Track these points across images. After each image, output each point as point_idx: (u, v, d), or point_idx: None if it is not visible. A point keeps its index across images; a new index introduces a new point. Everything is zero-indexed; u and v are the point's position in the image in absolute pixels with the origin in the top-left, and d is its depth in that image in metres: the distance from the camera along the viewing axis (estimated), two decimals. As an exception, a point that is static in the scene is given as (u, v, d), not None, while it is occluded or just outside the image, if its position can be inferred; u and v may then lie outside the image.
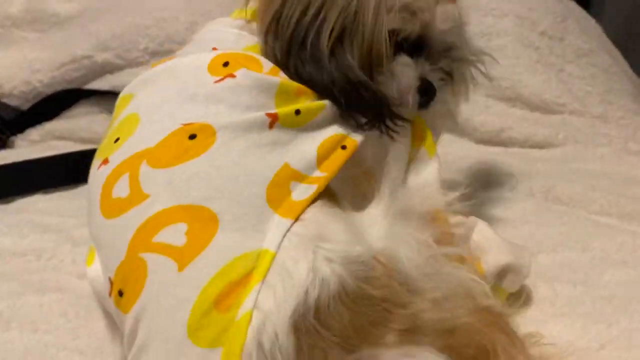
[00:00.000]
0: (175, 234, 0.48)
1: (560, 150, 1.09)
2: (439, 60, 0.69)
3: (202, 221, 0.48)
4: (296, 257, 0.47)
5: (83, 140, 1.26)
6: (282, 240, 0.48)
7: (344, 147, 0.57)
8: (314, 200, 0.52)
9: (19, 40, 1.38)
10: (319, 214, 0.50)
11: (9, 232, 0.87)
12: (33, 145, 1.27)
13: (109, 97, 1.26)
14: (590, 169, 1.00)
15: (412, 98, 0.65)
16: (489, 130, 1.16)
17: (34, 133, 1.28)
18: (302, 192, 0.52)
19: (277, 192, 0.50)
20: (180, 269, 0.46)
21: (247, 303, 0.45)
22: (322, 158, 0.55)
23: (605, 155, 1.05)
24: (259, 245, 0.48)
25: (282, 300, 0.45)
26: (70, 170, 1.05)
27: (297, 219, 0.49)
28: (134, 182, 0.51)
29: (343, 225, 0.51)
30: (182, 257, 0.47)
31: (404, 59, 0.65)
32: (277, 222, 0.49)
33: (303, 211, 0.50)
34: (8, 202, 0.98)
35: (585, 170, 1.00)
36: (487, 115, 1.17)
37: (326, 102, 0.59)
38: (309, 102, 0.58)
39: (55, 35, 1.36)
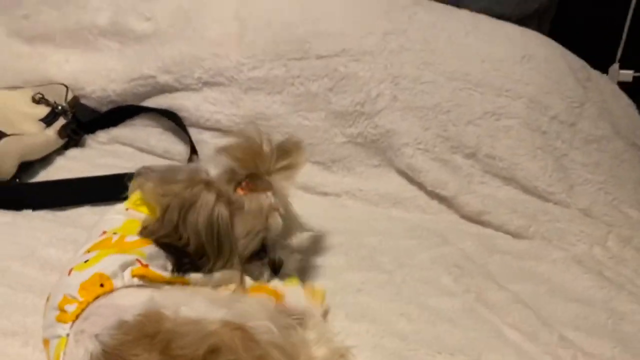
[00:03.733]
0: None
1: (524, 245, 1.22)
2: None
3: None
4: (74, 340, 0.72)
5: (140, 149, 1.53)
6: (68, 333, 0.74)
7: (102, 285, 0.77)
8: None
9: (103, 48, 1.63)
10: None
11: (56, 244, 1.13)
12: (100, 146, 1.54)
13: (162, 114, 1.51)
14: (535, 272, 1.13)
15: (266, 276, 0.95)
16: (471, 210, 1.29)
17: (102, 136, 1.56)
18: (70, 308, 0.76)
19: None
20: None
21: None
22: (82, 289, 0.77)
23: (558, 260, 1.17)
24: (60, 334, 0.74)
25: None
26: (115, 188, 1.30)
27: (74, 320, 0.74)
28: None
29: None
30: None
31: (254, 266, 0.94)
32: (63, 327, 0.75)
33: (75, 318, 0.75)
34: (60, 210, 1.25)
35: (529, 273, 1.13)
36: (472, 197, 1.30)
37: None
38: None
39: (131, 49, 1.60)
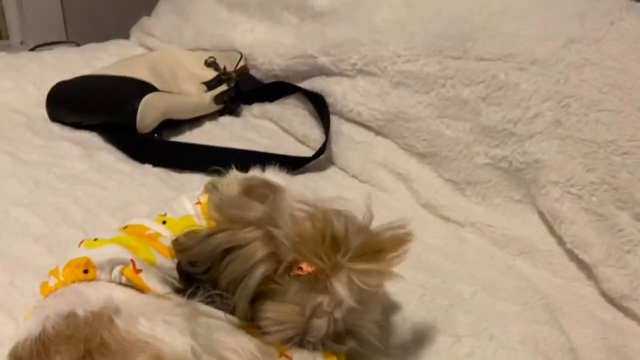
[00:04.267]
0: None
1: None
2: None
3: None
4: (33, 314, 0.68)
5: (283, 129, 1.49)
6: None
7: (86, 272, 0.70)
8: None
9: (284, 22, 1.62)
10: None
11: (152, 203, 1.15)
12: (251, 119, 1.54)
13: (311, 97, 1.44)
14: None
15: None
16: (612, 289, 0.97)
17: (256, 109, 1.55)
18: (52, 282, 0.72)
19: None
20: None
21: None
22: (67, 266, 0.72)
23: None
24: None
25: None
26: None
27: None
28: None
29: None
30: None
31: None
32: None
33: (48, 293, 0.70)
34: (178, 172, 1.27)
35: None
36: (620, 272, 0.97)
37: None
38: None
39: (307, 26, 1.56)
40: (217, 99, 1.51)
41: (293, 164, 1.31)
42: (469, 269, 1.03)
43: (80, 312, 0.65)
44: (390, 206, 1.23)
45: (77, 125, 1.40)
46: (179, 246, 0.76)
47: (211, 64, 1.57)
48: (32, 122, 1.41)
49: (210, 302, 0.73)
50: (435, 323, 0.88)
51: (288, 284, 0.70)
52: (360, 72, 1.38)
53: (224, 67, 1.57)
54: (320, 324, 0.70)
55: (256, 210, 0.75)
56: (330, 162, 1.38)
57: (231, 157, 1.27)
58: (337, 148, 1.37)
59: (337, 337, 0.74)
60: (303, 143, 1.44)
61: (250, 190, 0.83)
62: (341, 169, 1.35)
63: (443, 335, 0.85)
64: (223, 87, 1.53)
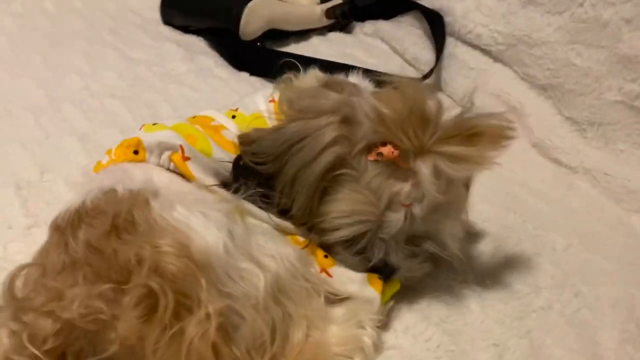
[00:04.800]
0: None
1: None
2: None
3: None
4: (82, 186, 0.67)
5: (394, 50, 1.38)
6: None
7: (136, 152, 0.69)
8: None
9: None
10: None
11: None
12: (362, 37, 1.44)
13: (428, 15, 1.31)
14: None
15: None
16: None
17: (369, 27, 1.45)
18: (104, 160, 0.71)
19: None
20: None
21: None
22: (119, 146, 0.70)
23: None
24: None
25: None
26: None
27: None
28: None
29: None
30: None
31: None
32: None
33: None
34: (271, 81, 1.21)
35: None
36: None
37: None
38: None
39: None
40: (328, 13, 1.42)
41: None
42: (570, 219, 0.89)
43: (120, 189, 0.63)
44: (496, 142, 1.09)
45: (185, 29, 1.39)
46: (246, 138, 0.70)
47: (329, -25, 1.48)
48: (145, 23, 1.43)
49: (254, 201, 0.68)
50: (513, 269, 0.76)
51: (364, 169, 0.62)
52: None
53: (343, -21, 1.46)
54: (397, 219, 0.62)
55: (332, 98, 0.67)
56: (437, 88, 1.25)
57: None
58: (447, 73, 1.24)
59: (412, 239, 0.65)
60: (413, 65, 1.32)
61: (327, 84, 0.75)
62: (448, 96, 1.22)
63: (519, 283, 0.74)
64: (337, 1, 1.44)
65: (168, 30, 1.40)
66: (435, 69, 1.24)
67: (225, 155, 0.72)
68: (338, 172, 0.63)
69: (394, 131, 0.61)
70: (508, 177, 0.97)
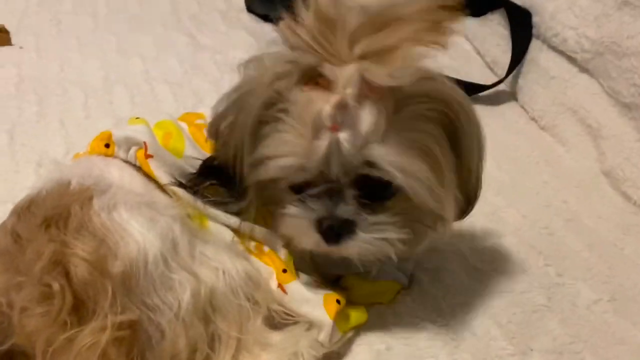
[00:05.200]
0: None
1: None
2: None
3: None
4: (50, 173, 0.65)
5: (475, 50, 1.25)
6: None
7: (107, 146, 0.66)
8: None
9: None
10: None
11: None
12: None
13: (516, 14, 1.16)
14: None
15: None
16: None
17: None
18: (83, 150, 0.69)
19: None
20: None
21: None
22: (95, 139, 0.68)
23: None
24: None
25: None
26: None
27: None
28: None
29: None
30: None
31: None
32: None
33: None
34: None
35: None
36: None
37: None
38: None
39: None
40: (413, 7, 1.32)
41: (464, 91, 1.09)
42: (611, 269, 0.73)
43: (74, 182, 0.62)
44: (563, 164, 0.94)
45: (266, 18, 1.38)
46: (209, 129, 0.64)
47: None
48: (228, 10, 1.44)
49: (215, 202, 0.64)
50: (508, 321, 0.64)
51: (296, 100, 0.53)
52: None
53: (435, -29, 1.35)
54: (321, 146, 0.52)
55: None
56: (512, 96, 1.11)
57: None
58: (524, 81, 1.09)
59: (366, 182, 0.54)
60: (491, 69, 1.19)
61: None
62: (522, 106, 1.08)
63: (506, 339, 0.62)
64: (425, -6, 1.33)
65: (247, 18, 1.40)
66: (513, 75, 1.10)
67: (199, 154, 0.68)
68: (275, 108, 0.55)
69: (307, 49, 0.52)
70: (556, 208, 0.83)
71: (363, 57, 0.51)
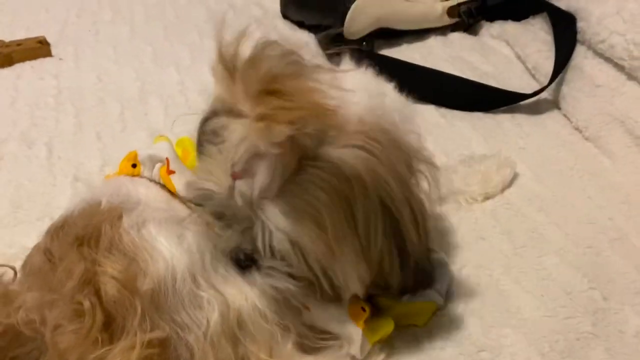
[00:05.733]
0: None
1: None
2: None
3: None
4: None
5: (517, 56, 1.21)
6: None
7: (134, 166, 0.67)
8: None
9: None
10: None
11: None
12: (486, 39, 1.29)
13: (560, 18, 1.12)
14: None
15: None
16: None
17: (496, 28, 1.29)
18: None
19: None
20: None
21: None
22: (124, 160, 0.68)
23: None
24: None
25: None
26: (467, 95, 1.07)
27: None
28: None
29: None
30: None
31: None
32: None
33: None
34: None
35: None
36: None
37: None
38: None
39: None
40: (451, 11, 1.29)
41: (504, 99, 1.06)
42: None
43: (105, 202, 0.63)
44: (609, 178, 0.90)
45: (301, 24, 1.36)
46: None
47: (460, -31, 1.34)
48: (264, 17, 1.43)
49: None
50: (550, 349, 0.61)
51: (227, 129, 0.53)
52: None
53: (475, -26, 1.32)
54: (223, 188, 0.53)
55: None
56: (554, 104, 1.07)
57: (431, 81, 1.10)
58: (569, 89, 1.04)
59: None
60: (533, 76, 1.14)
61: None
62: (565, 115, 1.03)
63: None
64: (465, -1, 1.30)
65: (283, 25, 1.39)
66: (556, 82, 1.06)
67: None
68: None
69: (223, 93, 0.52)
70: (601, 225, 0.80)
71: (263, 115, 0.49)
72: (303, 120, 0.49)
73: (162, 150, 0.67)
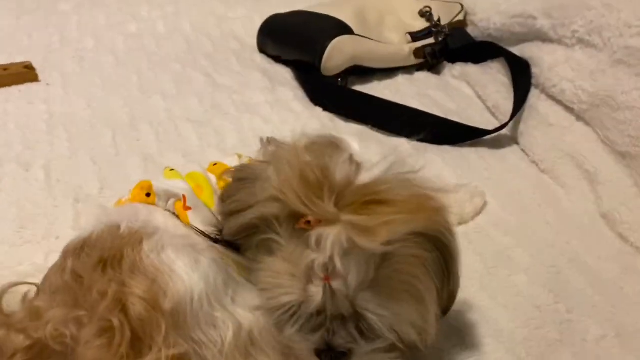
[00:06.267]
0: None
1: None
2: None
3: None
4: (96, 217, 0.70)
5: (477, 95, 1.33)
6: None
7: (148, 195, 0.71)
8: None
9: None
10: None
11: None
12: (448, 78, 1.41)
13: (515, 63, 1.25)
14: None
15: None
16: None
17: (458, 69, 1.41)
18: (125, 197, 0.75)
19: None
20: None
21: None
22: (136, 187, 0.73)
23: None
24: None
25: None
26: (435, 129, 1.14)
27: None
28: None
29: None
30: None
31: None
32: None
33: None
34: (346, 121, 1.23)
35: None
36: None
37: None
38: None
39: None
40: (417, 52, 1.41)
41: (469, 134, 1.17)
42: (614, 307, 0.80)
43: (124, 226, 0.67)
44: (563, 206, 1.01)
45: (277, 59, 1.45)
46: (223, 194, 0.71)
47: (425, 14, 1.46)
48: (241, 51, 1.50)
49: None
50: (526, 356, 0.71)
51: (288, 237, 0.58)
52: (580, 41, 1.13)
53: (438, 19, 1.44)
54: (315, 293, 0.56)
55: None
56: (513, 140, 1.19)
57: (403, 116, 1.21)
58: (525, 126, 1.17)
59: (359, 320, 0.58)
60: (492, 114, 1.26)
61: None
62: (523, 150, 1.16)
63: None
64: (429, 40, 1.42)
65: (261, 59, 1.46)
66: (514, 120, 1.18)
67: None
68: (264, 236, 0.60)
69: (292, 200, 0.56)
70: (560, 248, 0.90)
71: (345, 223, 0.54)
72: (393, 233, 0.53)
73: (178, 188, 0.72)
